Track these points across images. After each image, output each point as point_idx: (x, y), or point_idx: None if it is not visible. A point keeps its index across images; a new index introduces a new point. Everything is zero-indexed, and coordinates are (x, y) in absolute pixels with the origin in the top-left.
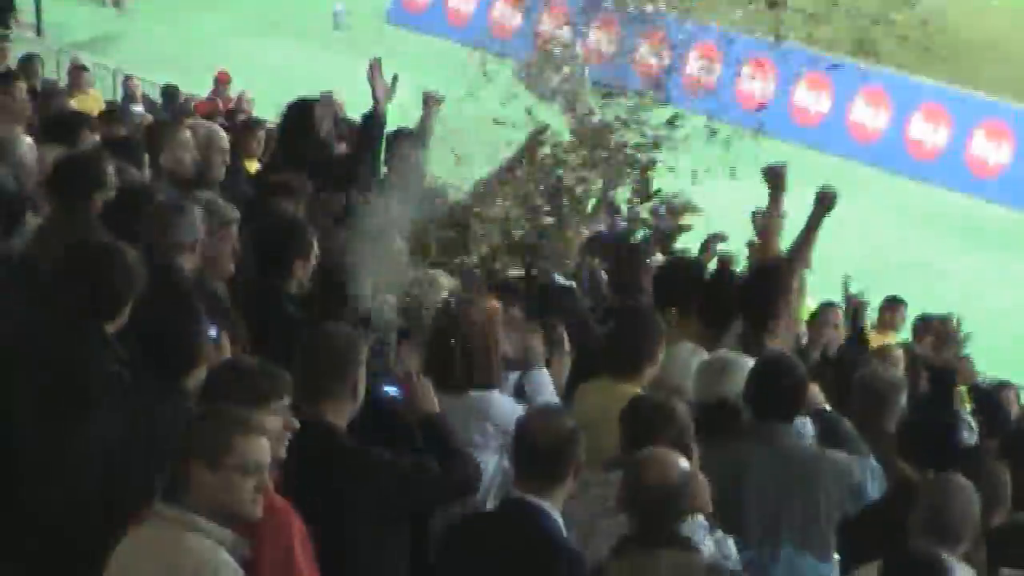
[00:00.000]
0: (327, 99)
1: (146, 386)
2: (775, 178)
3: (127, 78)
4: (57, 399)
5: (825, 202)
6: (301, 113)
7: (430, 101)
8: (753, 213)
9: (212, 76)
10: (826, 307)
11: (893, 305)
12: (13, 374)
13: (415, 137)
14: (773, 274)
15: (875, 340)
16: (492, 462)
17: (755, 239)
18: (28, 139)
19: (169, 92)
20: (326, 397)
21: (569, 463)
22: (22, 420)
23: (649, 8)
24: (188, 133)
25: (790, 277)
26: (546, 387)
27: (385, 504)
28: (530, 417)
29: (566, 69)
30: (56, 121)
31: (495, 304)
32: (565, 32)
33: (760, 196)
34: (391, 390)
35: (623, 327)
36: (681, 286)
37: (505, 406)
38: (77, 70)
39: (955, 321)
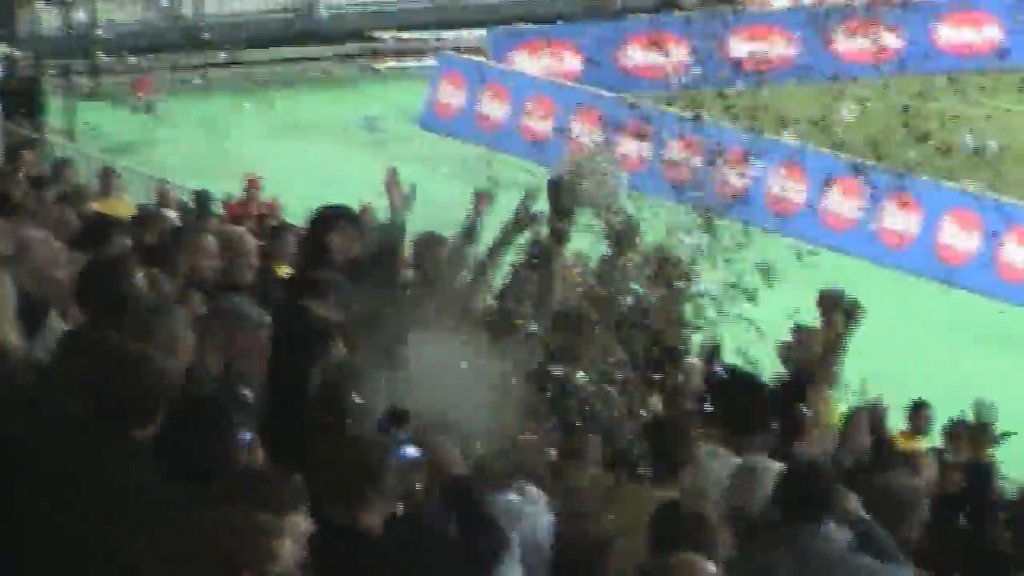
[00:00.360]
0: (350, 222)
1: (178, 494)
2: (829, 302)
3: (160, 183)
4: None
5: (853, 316)
6: (315, 237)
7: (482, 199)
8: (797, 326)
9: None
10: (858, 412)
11: (919, 410)
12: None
13: (462, 236)
14: (807, 381)
15: (903, 445)
16: (515, 571)
17: (791, 342)
18: (56, 243)
19: (201, 197)
20: (360, 505)
21: (605, 570)
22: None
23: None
24: (211, 238)
25: (824, 384)
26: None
27: None
28: (567, 523)
29: (603, 178)
30: (84, 227)
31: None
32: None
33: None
34: (411, 451)
35: (661, 433)
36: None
37: (535, 518)
38: (108, 174)
39: (987, 415)
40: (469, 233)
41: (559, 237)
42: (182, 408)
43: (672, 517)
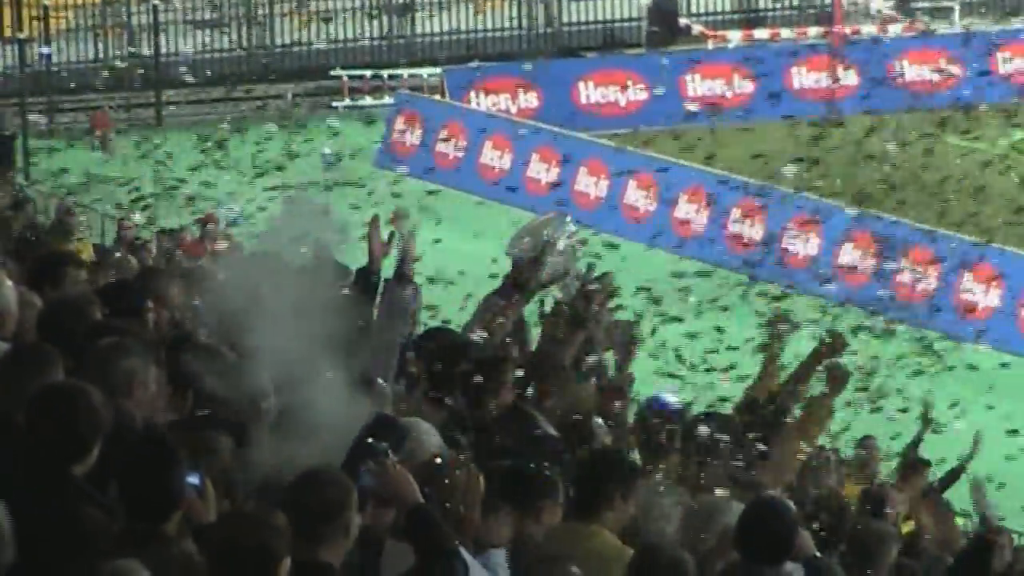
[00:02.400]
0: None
1: (127, 532)
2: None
3: (121, 220)
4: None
5: (832, 350)
6: None
7: (399, 216)
8: None
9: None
10: (822, 451)
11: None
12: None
13: (398, 271)
14: (767, 414)
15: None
16: None
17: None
18: (8, 283)
19: (163, 235)
20: (320, 541)
21: None
22: None
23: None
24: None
25: (785, 418)
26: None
27: None
28: (534, 565)
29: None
30: (39, 263)
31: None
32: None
33: None
34: (368, 481)
35: (584, 471)
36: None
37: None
38: (64, 213)
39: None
40: (399, 268)
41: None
42: (128, 447)
43: (653, 563)
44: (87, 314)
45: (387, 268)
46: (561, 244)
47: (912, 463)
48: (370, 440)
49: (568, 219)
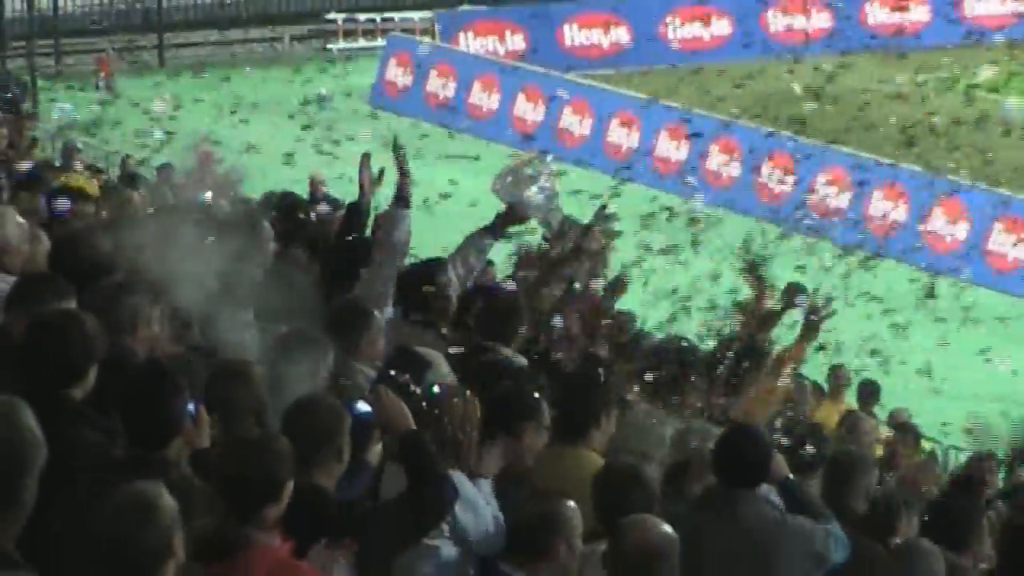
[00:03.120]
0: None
1: (129, 457)
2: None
3: (125, 157)
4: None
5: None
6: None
7: (399, 149)
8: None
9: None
10: (800, 382)
11: (836, 372)
12: None
13: (395, 201)
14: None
15: (826, 411)
16: (451, 551)
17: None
18: (17, 218)
19: (164, 171)
20: (314, 465)
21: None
22: None
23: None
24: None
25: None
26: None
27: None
28: (527, 501)
29: (541, 181)
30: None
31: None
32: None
33: None
34: (362, 408)
35: (568, 392)
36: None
37: (468, 487)
38: (70, 151)
39: None
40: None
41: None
42: (129, 375)
43: (615, 480)
44: (95, 245)
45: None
46: (543, 181)
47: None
48: (392, 372)
49: (548, 157)
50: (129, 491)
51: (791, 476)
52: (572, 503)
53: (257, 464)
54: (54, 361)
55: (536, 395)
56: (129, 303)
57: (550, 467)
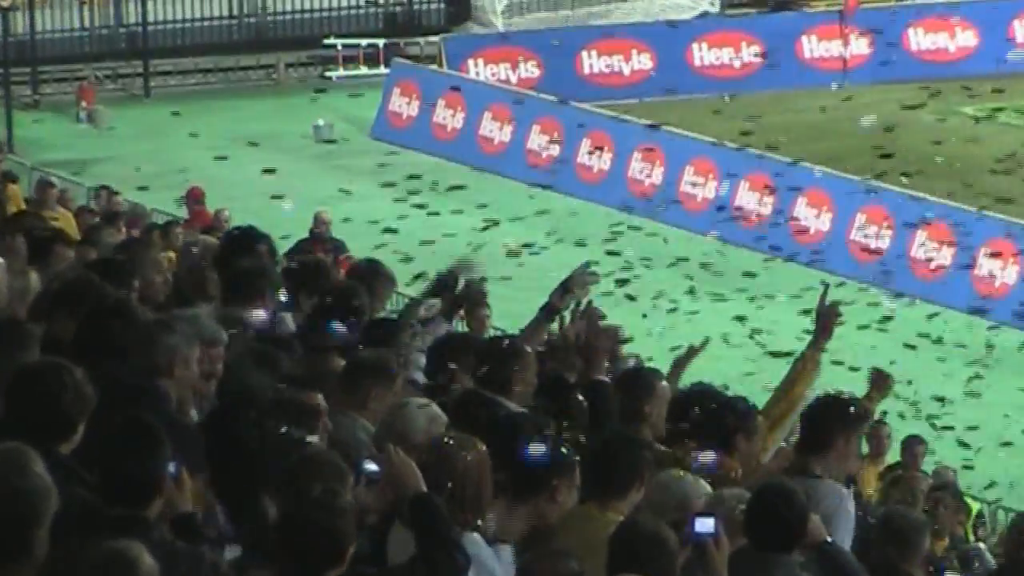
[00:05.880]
0: None
1: (111, 516)
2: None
3: (110, 195)
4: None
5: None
6: None
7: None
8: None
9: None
10: None
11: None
12: None
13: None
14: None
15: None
16: None
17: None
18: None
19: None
20: None
21: None
22: None
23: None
24: (160, 254)
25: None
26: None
27: None
28: (536, 558)
29: None
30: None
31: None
32: None
33: None
34: (371, 467)
35: (609, 453)
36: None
37: (484, 552)
38: (43, 187)
39: None
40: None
41: None
42: (113, 428)
43: (630, 538)
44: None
45: None
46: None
47: None
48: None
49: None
50: (107, 548)
51: (829, 539)
52: (580, 564)
53: (327, 523)
54: (44, 415)
55: (567, 450)
56: (166, 343)
57: (575, 532)
